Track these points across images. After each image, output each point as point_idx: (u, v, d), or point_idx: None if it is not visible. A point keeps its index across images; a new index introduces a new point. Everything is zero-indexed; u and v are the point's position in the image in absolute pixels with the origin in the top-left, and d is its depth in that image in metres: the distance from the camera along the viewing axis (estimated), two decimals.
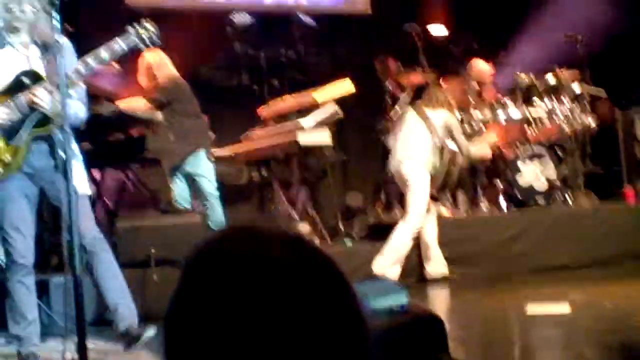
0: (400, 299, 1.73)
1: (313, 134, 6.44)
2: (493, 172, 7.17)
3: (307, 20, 8.45)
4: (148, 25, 3.57)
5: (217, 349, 0.91)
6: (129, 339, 3.76)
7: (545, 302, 4.74)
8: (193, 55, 6.99)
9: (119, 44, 3.49)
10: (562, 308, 4.49)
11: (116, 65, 5.50)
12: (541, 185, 7.02)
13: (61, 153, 2.94)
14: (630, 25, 8.45)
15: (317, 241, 6.16)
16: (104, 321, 4.77)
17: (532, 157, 7.02)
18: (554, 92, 7.37)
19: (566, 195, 7.16)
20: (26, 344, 3.73)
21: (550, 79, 7.33)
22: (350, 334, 0.94)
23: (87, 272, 3.62)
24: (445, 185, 6.28)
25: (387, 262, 5.85)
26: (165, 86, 6.16)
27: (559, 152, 7.31)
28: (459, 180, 6.88)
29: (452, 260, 6.22)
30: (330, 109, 6.56)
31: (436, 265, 6.11)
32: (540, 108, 7.28)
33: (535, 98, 7.33)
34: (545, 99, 7.33)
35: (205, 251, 0.98)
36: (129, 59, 4.97)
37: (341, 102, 6.69)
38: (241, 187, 7.48)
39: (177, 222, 5.39)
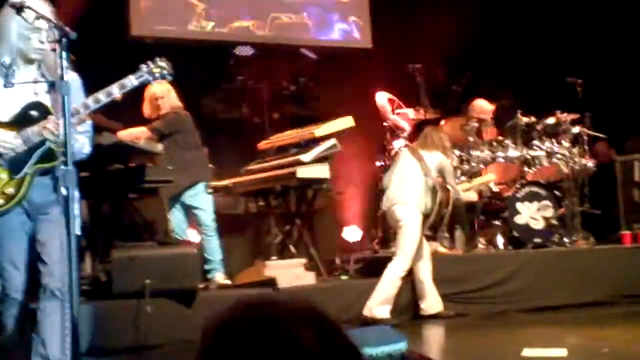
0: (399, 346, 1.73)
1: (312, 168, 6.46)
2: (491, 211, 7.18)
3: (309, 54, 8.53)
4: (161, 62, 3.60)
5: None
6: None
7: (542, 344, 4.71)
8: (195, 87, 7.05)
9: (131, 81, 3.51)
10: (559, 352, 4.46)
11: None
12: (538, 224, 7.03)
13: (63, 190, 2.89)
14: (631, 68, 8.56)
15: (313, 275, 6.16)
16: (98, 351, 4.75)
17: (530, 196, 7.03)
18: (554, 133, 7.41)
19: (563, 236, 7.17)
20: None
21: (550, 120, 7.38)
22: None
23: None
24: (436, 226, 6.31)
25: (375, 302, 5.86)
26: (168, 117, 6.20)
27: (557, 193, 7.32)
28: (457, 218, 6.91)
29: (447, 298, 6.20)
30: (330, 143, 6.59)
31: (431, 302, 6.10)
32: (539, 148, 7.32)
33: (534, 139, 7.36)
34: (545, 140, 7.37)
35: (225, 328, 0.98)
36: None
37: (341, 136, 6.73)
38: (237, 218, 7.49)
39: (173, 253, 5.37)
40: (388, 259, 6.22)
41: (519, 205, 6.99)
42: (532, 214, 7.01)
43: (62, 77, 2.99)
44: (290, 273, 5.97)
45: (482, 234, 7.06)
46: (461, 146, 7.23)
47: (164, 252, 5.37)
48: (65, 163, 2.93)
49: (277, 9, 8.63)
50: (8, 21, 3.42)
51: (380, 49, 8.76)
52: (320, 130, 6.72)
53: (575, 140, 7.42)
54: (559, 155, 7.33)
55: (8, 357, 3.63)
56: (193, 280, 5.41)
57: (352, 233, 8.02)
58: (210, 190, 6.27)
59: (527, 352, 4.53)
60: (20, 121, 3.42)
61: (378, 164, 7.35)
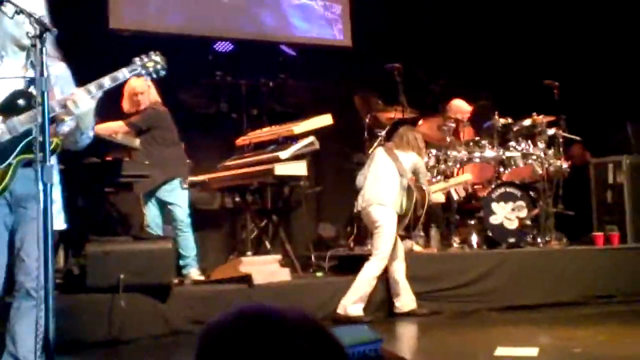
0: (375, 346, 1.74)
1: (290, 165, 6.48)
2: (466, 210, 7.23)
3: (289, 51, 8.53)
4: (155, 57, 3.55)
5: None
6: None
7: (514, 343, 4.76)
8: (173, 82, 7.00)
9: (124, 74, 3.47)
10: (531, 351, 4.51)
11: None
12: (513, 225, 7.09)
13: (40, 185, 2.82)
14: (607, 70, 8.66)
15: (288, 272, 6.17)
16: (70, 345, 4.73)
17: (505, 197, 7.09)
18: (530, 134, 7.48)
19: (537, 236, 7.24)
20: None
21: (527, 122, 7.45)
22: None
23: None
24: (412, 226, 6.35)
25: (349, 301, 5.89)
26: (147, 113, 6.18)
27: (532, 193, 7.39)
28: (432, 217, 6.95)
29: (421, 296, 6.24)
30: (307, 141, 6.60)
31: (405, 300, 6.14)
32: (515, 149, 7.38)
33: (511, 140, 7.43)
34: (521, 141, 7.44)
35: (222, 336, 0.99)
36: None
37: (319, 133, 6.75)
38: (213, 213, 7.48)
39: (148, 248, 5.36)
40: (363, 256, 6.26)
41: (494, 205, 7.05)
42: (506, 214, 7.07)
43: (41, 73, 2.94)
44: (265, 269, 5.97)
45: (457, 234, 7.12)
46: (438, 146, 7.27)
47: (138, 247, 5.36)
48: (44, 158, 2.87)
49: (257, 6, 8.62)
50: None
51: (360, 47, 8.78)
52: (298, 127, 6.74)
53: (551, 142, 7.49)
54: (534, 157, 7.40)
55: None
56: (167, 276, 5.40)
57: (328, 230, 8.04)
58: (186, 186, 6.25)
59: (499, 351, 4.58)
60: (7, 109, 3.35)
61: (355, 161, 7.36)
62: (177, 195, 6.22)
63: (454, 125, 7.32)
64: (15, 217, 3.39)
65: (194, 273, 6.21)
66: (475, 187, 7.32)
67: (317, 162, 7.03)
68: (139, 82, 5.93)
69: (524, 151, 7.41)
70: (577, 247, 7.39)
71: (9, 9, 3.22)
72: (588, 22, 8.84)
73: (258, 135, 7.19)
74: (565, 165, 7.47)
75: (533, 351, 4.51)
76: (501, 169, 7.39)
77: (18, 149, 3.32)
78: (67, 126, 3.43)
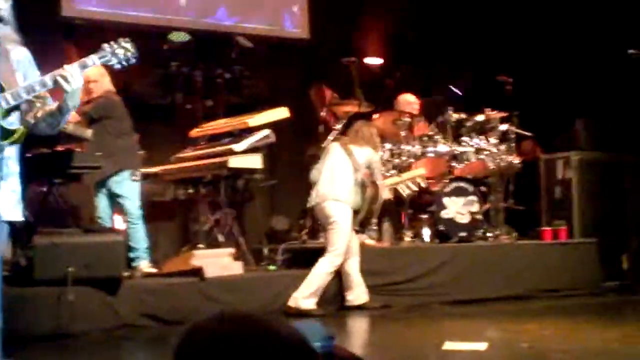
0: (326, 342, 1.75)
1: (245, 158, 6.45)
2: (419, 204, 7.30)
3: (246, 42, 8.48)
4: (125, 44, 3.48)
5: None
6: None
7: (463, 337, 4.83)
8: (127, 71, 6.91)
9: (93, 60, 3.39)
10: (479, 346, 4.58)
11: None
12: (464, 219, 7.19)
13: None
14: (558, 68, 8.81)
15: (240, 265, 6.16)
16: (17, 338, 4.65)
17: (457, 191, 7.18)
18: (482, 130, 7.58)
19: (487, 230, 7.35)
20: None
21: (480, 117, 7.54)
22: None
23: None
24: (366, 221, 6.39)
25: (302, 294, 5.90)
26: (99, 102, 6.09)
27: (483, 188, 7.50)
28: (385, 211, 7.00)
29: (373, 290, 6.29)
30: (263, 134, 6.59)
31: (357, 293, 6.18)
32: (467, 144, 7.48)
33: (464, 135, 7.52)
34: (474, 136, 7.53)
35: (201, 342, 0.99)
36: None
37: (274, 126, 6.73)
38: (165, 205, 7.42)
39: (98, 240, 5.30)
40: (316, 250, 6.28)
41: (446, 199, 7.14)
42: (458, 209, 7.16)
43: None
44: (217, 262, 5.95)
45: (409, 227, 7.18)
46: (392, 140, 7.32)
47: (88, 239, 5.29)
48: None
49: None
50: None
51: (316, 40, 8.78)
52: (254, 120, 6.71)
53: (503, 137, 7.60)
54: (486, 152, 7.50)
55: None
56: (118, 268, 5.35)
57: (281, 223, 8.04)
58: (136, 178, 6.18)
59: (448, 345, 4.64)
60: None
61: (309, 155, 7.37)
62: (126, 186, 6.14)
63: (409, 119, 7.37)
64: None
65: (144, 265, 6.15)
66: (429, 181, 7.39)
67: (271, 154, 7.01)
68: (93, 69, 5.80)
69: (477, 146, 7.50)
70: (525, 241, 7.54)
71: None
72: (541, 20, 8.98)
73: (213, 127, 7.15)
74: (516, 160, 7.59)
75: (482, 346, 4.58)
76: (454, 164, 7.47)
77: None
78: (32, 114, 3.36)
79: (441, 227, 7.13)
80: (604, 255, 7.36)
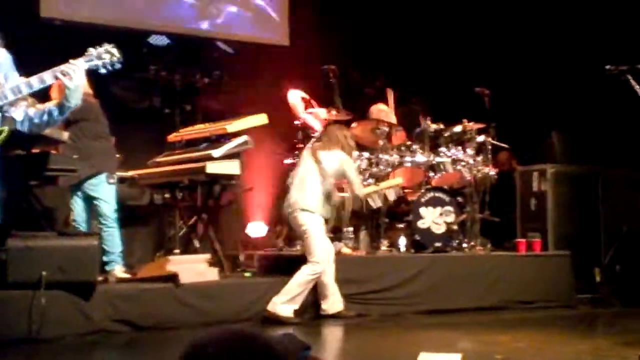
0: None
1: (222, 164, 6.43)
2: (395, 214, 7.32)
3: (225, 47, 8.47)
4: (111, 49, 3.48)
5: None
6: None
7: (438, 347, 4.83)
8: (105, 74, 6.86)
9: (79, 63, 3.38)
10: (454, 357, 4.58)
11: None
12: (440, 229, 7.22)
13: None
14: (535, 81, 8.91)
15: (216, 272, 6.13)
16: None
17: (433, 201, 7.21)
18: (460, 141, 7.63)
19: (462, 241, 7.39)
20: None
21: (457, 128, 7.59)
22: None
23: None
24: (336, 228, 6.40)
25: (281, 300, 5.89)
26: None
27: (459, 199, 7.54)
28: (361, 220, 7.01)
29: (348, 298, 6.29)
30: (241, 140, 6.57)
31: (332, 302, 6.17)
32: (445, 155, 7.52)
33: (441, 145, 7.56)
34: (451, 147, 7.58)
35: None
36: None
37: (252, 132, 6.72)
38: (141, 209, 7.37)
39: (72, 244, 5.24)
40: (293, 257, 6.27)
41: (422, 209, 7.16)
42: (434, 219, 7.19)
43: None
44: (193, 269, 5.92)
45: (385, 237, 7.19)
46: (371, 149, 7.34)
47: (62, 243, 5.23)
48: None
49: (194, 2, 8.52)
50: None
51: (296, 47, 8.79)
52: (232, 126, 6.70)
53: (480, 148, 7.65)
54: (463, 163, 7.54)
55: None
56: (92, 273, 5.30)
57: (258, 229, 8.02)
58: (113, 181, 6.13)
59: (422, 356, 4.64)
60: None
61: (287, 162, 7.37)
62: (103, 190, 6.09)
63: (387, 129, 7.39)
64: None
65: (118, 270, 6.10)
66: (406, 191, 7.42)
67: (248, 161, 7.00)
68: None
69: (454, 157, 7.55)
70: (500, 252, 7.58)
71: None
72: (519, 33, 9.07)
73: (190, 132, 7.12)
74: (492, 171, 7.64)
75: (456, 357, 4.58)
76: (431, 174, 7.51)
77: None
78: (22, 112, 3.35)
79: (417, 237, 7.16)
80: (578, 267, 7.42)
